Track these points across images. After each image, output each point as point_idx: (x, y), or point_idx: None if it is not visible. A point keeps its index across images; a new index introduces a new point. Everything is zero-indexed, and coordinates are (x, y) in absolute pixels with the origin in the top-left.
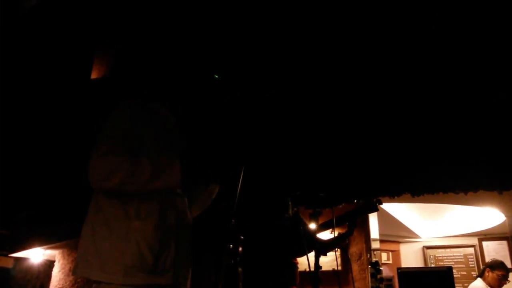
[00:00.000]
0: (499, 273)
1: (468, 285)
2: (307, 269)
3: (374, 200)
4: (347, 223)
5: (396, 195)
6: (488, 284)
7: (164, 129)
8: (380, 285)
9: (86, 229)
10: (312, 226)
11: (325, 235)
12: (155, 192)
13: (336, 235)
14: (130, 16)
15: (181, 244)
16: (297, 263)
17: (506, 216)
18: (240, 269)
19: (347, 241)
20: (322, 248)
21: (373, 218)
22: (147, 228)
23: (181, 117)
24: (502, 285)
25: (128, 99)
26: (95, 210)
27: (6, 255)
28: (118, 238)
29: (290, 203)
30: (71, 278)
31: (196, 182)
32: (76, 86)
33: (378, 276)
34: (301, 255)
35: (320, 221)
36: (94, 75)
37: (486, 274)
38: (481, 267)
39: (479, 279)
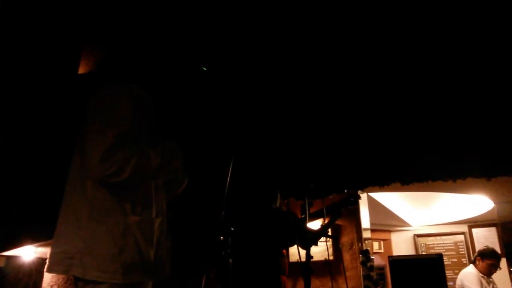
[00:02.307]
0: (489, 262)
1: (458, 272)
2: (299, 260)
3: (353, 194)
4: (330, 214)
5: (385, 184)
6: (479, 271)
7: (150, 114)
8: (371, 273)
9: (72, 224)
10: (303, 216)
11: (313, 225)
12: (148, 184)
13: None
14: (120, 10)
15: (166, 236)
16: (285, 253)
17: (494, 202)
18: (230, 260)
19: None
20: (312, 237)
21: (363, 208)
22: (143, 223)
23: (159, 100)
24: (493, 273)
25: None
26: (83, 204)
27: None
28: (115, 234)
29: (278, 194)
30: (63, 275)
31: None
32: (63, 82)
33: (368, 264)
34: (291, 245)
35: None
36: (81, 70)
37: (477, 262)
38: (471, 253)
39: (471, 265)
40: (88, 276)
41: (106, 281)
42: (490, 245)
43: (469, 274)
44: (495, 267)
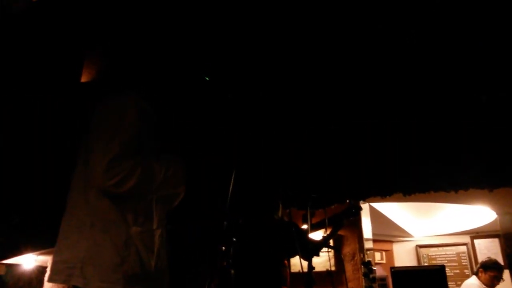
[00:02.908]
0: (492, 274)
1: (461, 283)
2: (300, 270)
3: (355, 206)
4: (332, 225)
5: (387, 194)
6: (482, 283)
7: (151, 123)
8: (373, 285)
9: (74, 233)
10: (304, 227)
11: (315, 236)
12: (149, 196)
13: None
14: (121, 15)
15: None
16: (287, 264)
17: (497, 213)
18: (232, 270)
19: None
20: (314, 248)
21: (365, 218)
22: (145, 234)
23: (161, 111)
24: (496, 285)
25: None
26: (86, 213)
27: None
28: (118, 245)
29: (280, 205)
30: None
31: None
32: (65, 90)
33: (371, 276)
34: (292, 256)
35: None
36: (84, 79)
37: (480, 274)
38: (474, 265)
39: (474, 277)
40: (90, 286)
41: None
42: (493, 256)
43: (472, 285)
44: (498, 279)
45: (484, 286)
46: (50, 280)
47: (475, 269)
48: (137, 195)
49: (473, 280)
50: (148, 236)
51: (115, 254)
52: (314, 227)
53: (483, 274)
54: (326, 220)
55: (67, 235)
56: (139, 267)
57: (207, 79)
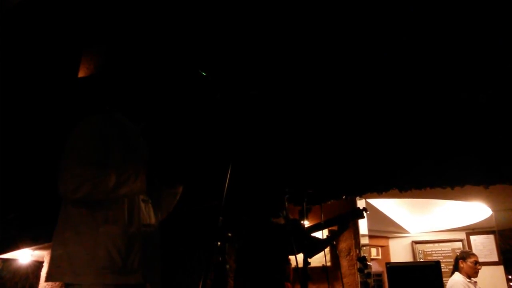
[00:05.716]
0: (472, 260)
1: None
2: (296, 266)
3: (361, 208)
4: (337, 226)
5: (384, 190)
6: (466, 274)
7: (128, 139)
8: (368, 280)
9: (56, 237)
10: (301, 223)
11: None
12: (120, 199)
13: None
14: (117, 16)
15: (149, 245)
16: (290, 259)
17: (492, 210)
18: (228, 266)
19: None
20: (315, 246)
21: None
22: (114, 232)
23: (144, 125)
24: (478, 271)
25: (92, 114)
26: (64, 218)
27: None
28: (87, 243)
29: (286, 203)
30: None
31: (159, 187)
32: (63, 86)
33: (366, 271)
34: (292, 254)
35: (310, 218)
36: (81, 74)
37: (461, 265)
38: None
39: (456, 273)
40: (65, 279)
41: (81, 283)
42: (488, 253)
43: (457, 282)
44: (477, 263)
45: (468, 280)
46: (46, 280)
47: (453, 266)
48: (98, 199)
49: (457, 277)
50: (118, 235)
51: (85, 251)
52: (315, 228)
53: (465, 264)
54: (322, 219)
55: (57, 240)
56: (109, 262)
57: (204, 74)
